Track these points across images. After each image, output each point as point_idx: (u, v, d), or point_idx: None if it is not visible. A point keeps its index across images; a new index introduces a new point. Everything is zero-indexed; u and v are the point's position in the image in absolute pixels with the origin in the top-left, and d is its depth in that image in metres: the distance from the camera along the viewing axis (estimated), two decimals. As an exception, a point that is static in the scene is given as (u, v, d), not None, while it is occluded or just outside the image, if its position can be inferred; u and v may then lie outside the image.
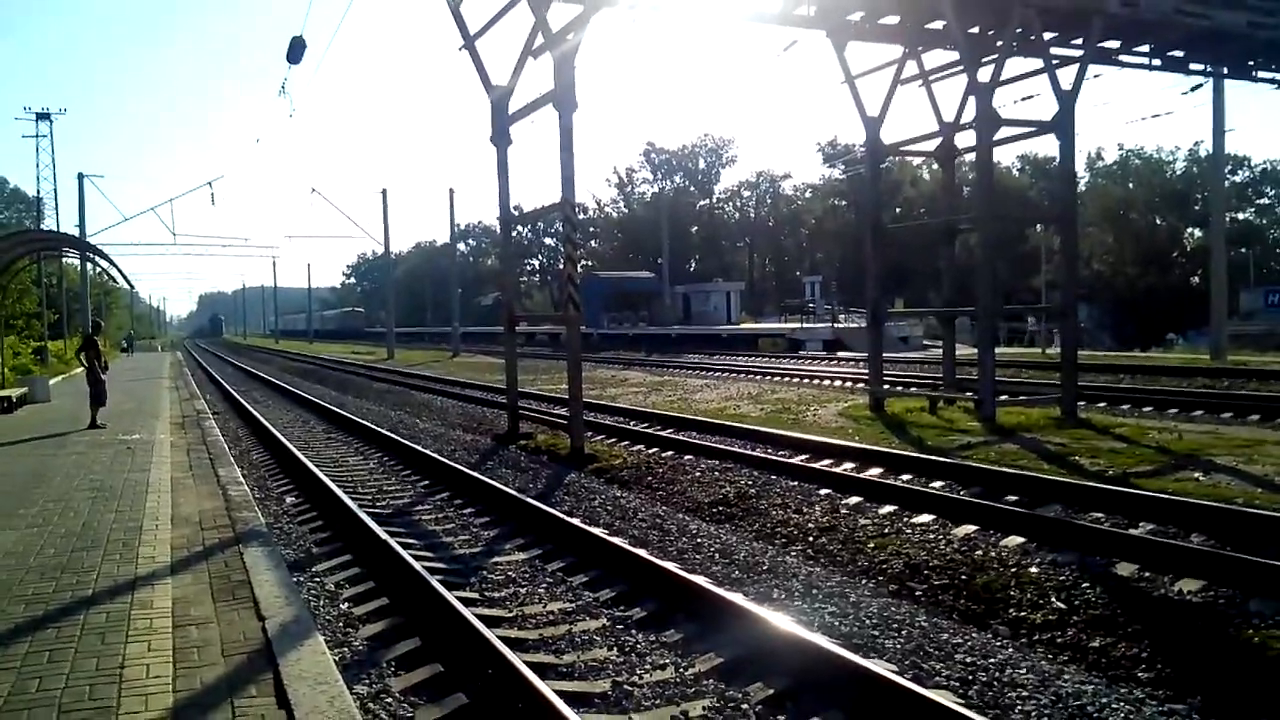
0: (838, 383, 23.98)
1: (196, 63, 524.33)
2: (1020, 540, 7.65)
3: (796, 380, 25.46)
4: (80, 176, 47.63)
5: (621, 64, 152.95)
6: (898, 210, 76.82)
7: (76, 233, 43.02)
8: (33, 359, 33.14)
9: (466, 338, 58.92)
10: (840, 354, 36.93)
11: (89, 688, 4.36)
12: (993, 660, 5.39)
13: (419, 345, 71.28)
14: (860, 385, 22.42)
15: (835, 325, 44.03)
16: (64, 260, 45.33)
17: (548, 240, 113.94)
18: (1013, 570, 6.88)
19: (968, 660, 5.39)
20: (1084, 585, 6.52)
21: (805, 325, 46.23)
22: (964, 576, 6.84)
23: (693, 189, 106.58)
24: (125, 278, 27.22)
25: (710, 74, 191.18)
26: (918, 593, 6.69)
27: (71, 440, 14.33)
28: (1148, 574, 6.74)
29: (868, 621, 6.06)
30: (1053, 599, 6.35)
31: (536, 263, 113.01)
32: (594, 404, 18.22)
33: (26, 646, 4.95)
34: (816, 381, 24.80)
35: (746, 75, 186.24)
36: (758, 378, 26.90)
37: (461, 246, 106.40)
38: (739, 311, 63.86)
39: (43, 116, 52.75)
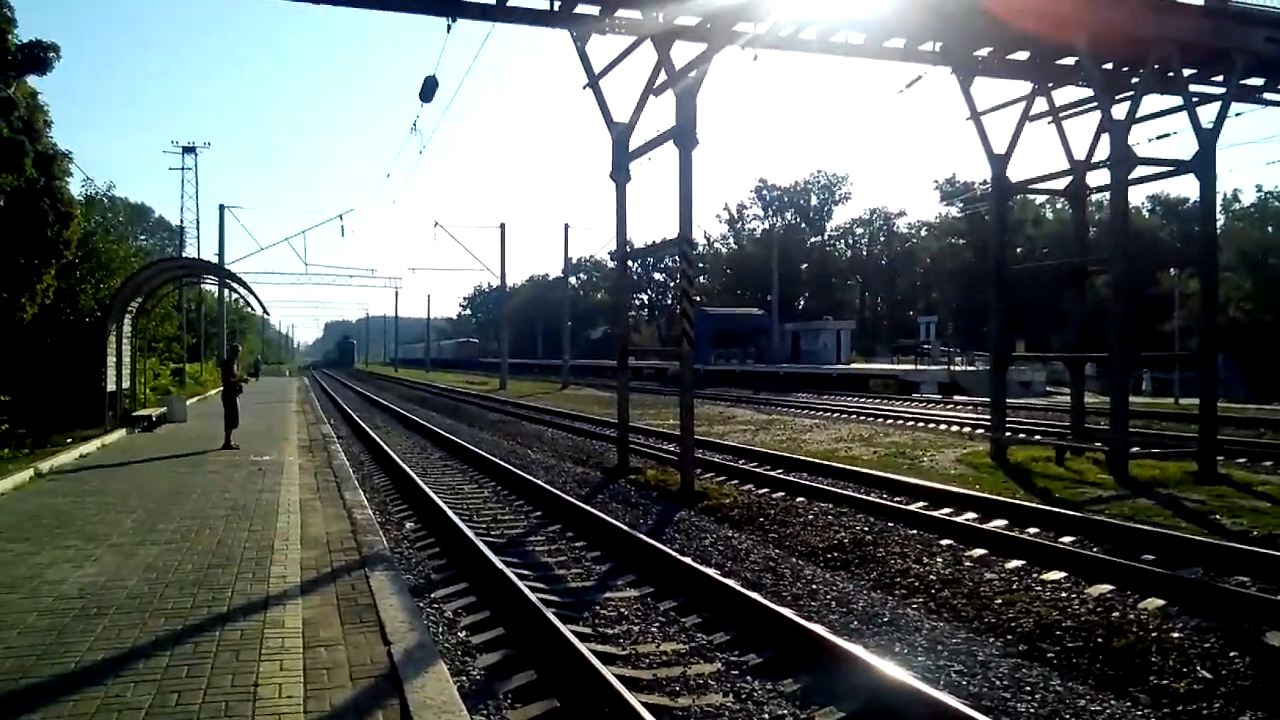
0: (954, 428, 23.24)
1: (333, 99, 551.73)
2: (1160, 603, 7.23)
3: (910, 424, 24.80)
4: (221, 208, 50.60)
5: (735, 100, 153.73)
6: (1019, 250, 74.66)
7: (216, 260, 45.57)
8: (171, 380, 35.07)
9: (574, 370, 59.68)
10: (956, 398, 35.89)
11: (224, 704, 4.51)
12: (1136, 732, 5.07)
13: (529, 376, 72.54)
14: (979, 431, 21.69)
15: (951, 368, 42.84)
16: (203, 287, 48.00)
17: (656, 275, 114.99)
18: (1153, 635, 6.48)
19: (1108, 730, 5.09)
20: (1231, 654, 6.10)
21: (920, 367, 45.10)
22: (1100, 639, 6.48)
23: (804, 226, 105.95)
24: (261, 304, 28.57)
25: (824, 110, 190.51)
26: (1049, 654, 6.36)
27: (207, 460, 15.04)
28: (1304, 646, 6.28)
29: (997, 682, 5.79)
30: (1198, 668, 5.95)
31: (645, 298, 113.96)
32: (702, 440, 18.14)
33: (166, 660, 5.17)
34: (932, 426, 24.11)
35: (862, 111, 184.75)
36: (869, 420, 26.34)
37: (572, 280, 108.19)
38: (849, 351, 62.81)
39: (188, 150, 56.15)
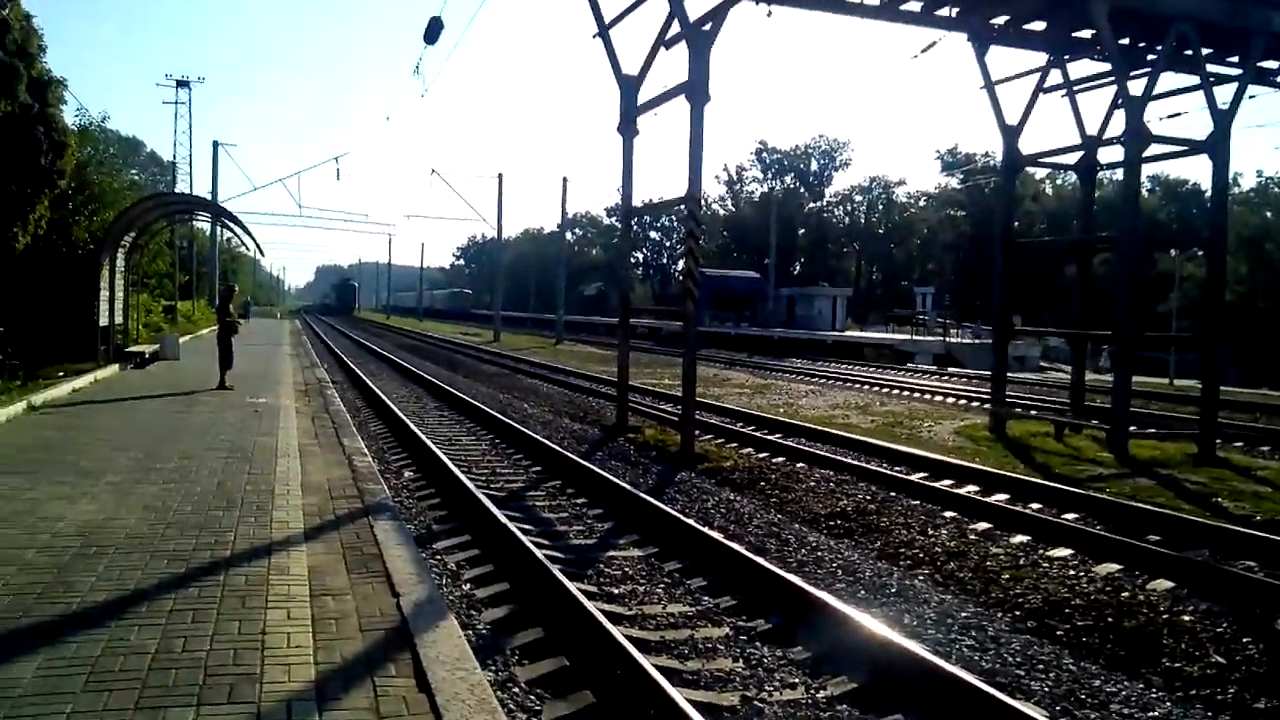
0: (950, 399, 23.22)
1: (334, 38, 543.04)
2: (1169, 585, 7.20)
3: (906, 393, 24.78)
4: (215, 144, 49.98)
5: (738, 58, 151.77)
6: (1015, 225, 74.35)
7: (209, 198, 44.96)
8: (164, 318, 34.75)
9: (568, 326, 59.45)
10: (951, 369, 35.89)
11: (232, 652, 4.40)
12: (1153, 714, 5.03)
13: (522, 330, 72.29)
14: (975, 404, 21.67)
15: (947, 339, 42.83)
16: (195, 224, 47.42)
17: (653, 234, 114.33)
18: (1164, 617, 6.44)
19: (1125, 712, 5.04)
20: (1244, 640, 6.07)
21: (915, 337, 45.06)
22: (1110, 619, 6.43)
23: (803, 190, 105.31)
24: (256, 243, 28.21)
25: (828, 74, 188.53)
26: (1059, 632, 6.31)
27: (201, 399, 14.88)
28: (1314, 634, 6.25)
29: (1010, 659, 5.74)
30: (1211, 652, 5.91)
31: (640, 256, 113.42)
32: (699, 402, 18.02)
33: (170, 604, 5.05)
34: (927, 396, 24.09)
35: (866, 77, 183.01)
36: (864, 388, 26.31)
37: (568, 235, 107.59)
38: (844, 318, 62.73)
39: (182, 84, 55.26)
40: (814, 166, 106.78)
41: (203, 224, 47.98)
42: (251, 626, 4.74)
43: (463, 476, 9.96)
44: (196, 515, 7.05)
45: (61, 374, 16.46)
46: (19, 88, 17.06)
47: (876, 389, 25.95)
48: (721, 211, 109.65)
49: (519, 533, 7.64)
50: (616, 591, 6.87)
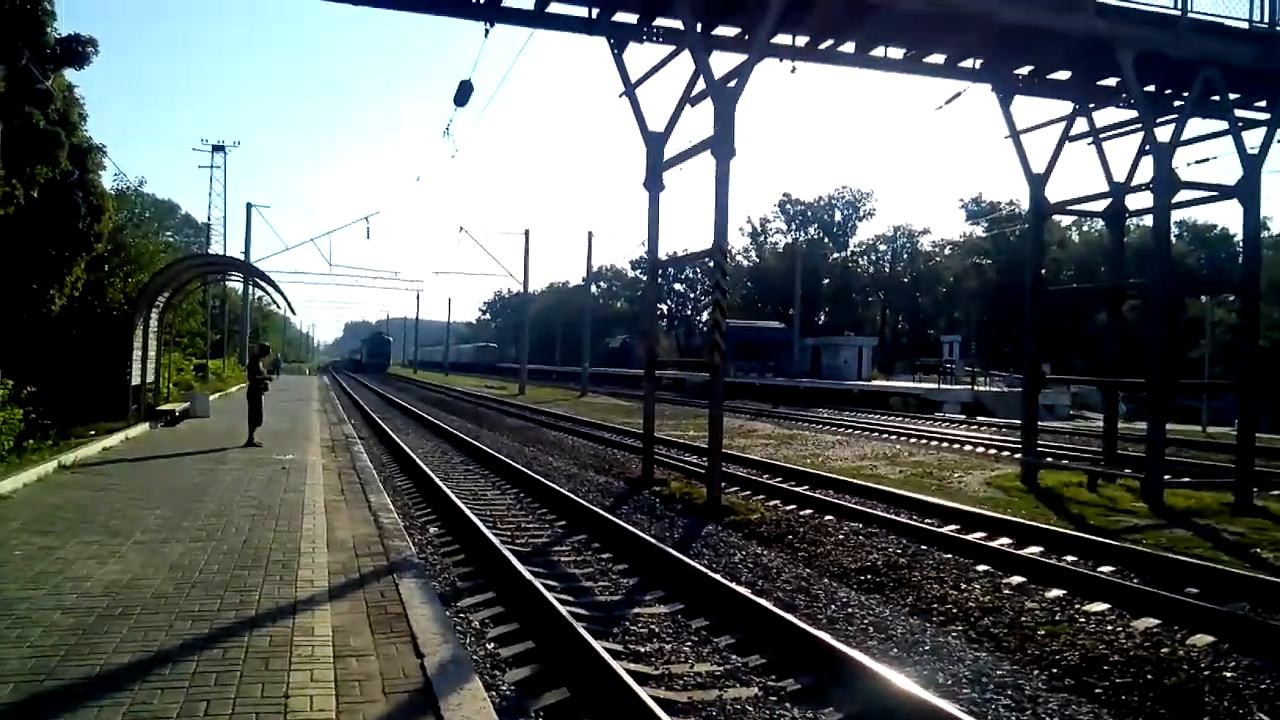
0: (980, 449, 22.92)
1: (365, 101, 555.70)
2: (1210, 639, 7.00)
3: (935, 443, 24.50)
4: (249, 206, 50.94)
5: (762, 111, 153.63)
6: (1043, 272, 73.90)
7: (242, 258, 45.76)
8: (194, 375, 35.15)
9: (593, 378, 59.57)
10: (980, 418, 35.51)
11: (255, 716, 4.36)
12: (1199, 779, 4.85)
13: (547, 382, 72.47)
14: (1005, 453, 21.38)
15: (975, 388, 42.45)
16: (228, 284, 48.24)
17: (677, 286, 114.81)
18: (1205, 673, 6.26)
19: (1170, 776, 4.87)
20: (1291, 698, 5.87)
21: (943, 386, 44.70)
22: (1149, 676, 6.25)
23: (827, 240, 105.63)
24: (288, 301, 28.66)
25: (850, 125, 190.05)
26: (1098, 689, 6.13)
27: (230, 457, 14.97)
28: (1363, 691, 6.04)
29: (1047, 719, 5.57)
30: (1254, 710, 5.72)
31: (664, 308, 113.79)
32: (724, 454, 17.92)
33: (194, 665, 5.02)
34: (956, 446, 23.80)
35: (888, 128, 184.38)
36: (892, 438, 26.04)
37: (593, 288, 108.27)
38: (870, 367, 62.40)
39: (218, 148, 56.45)
40: (838, 217, 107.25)
41: (235, 283, 48.88)
42: (275, 689, 4.70)
43: (487, 532, 9.92)
44: (222, 574, 7.04)
45: (93, 433, 16.66)
46: (60, 155, 17.53)
47: (904, 439, 25.69)
48: (746, 263, 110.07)
49: (544, 589, 7.57)
50: (643, 650, 6.76)
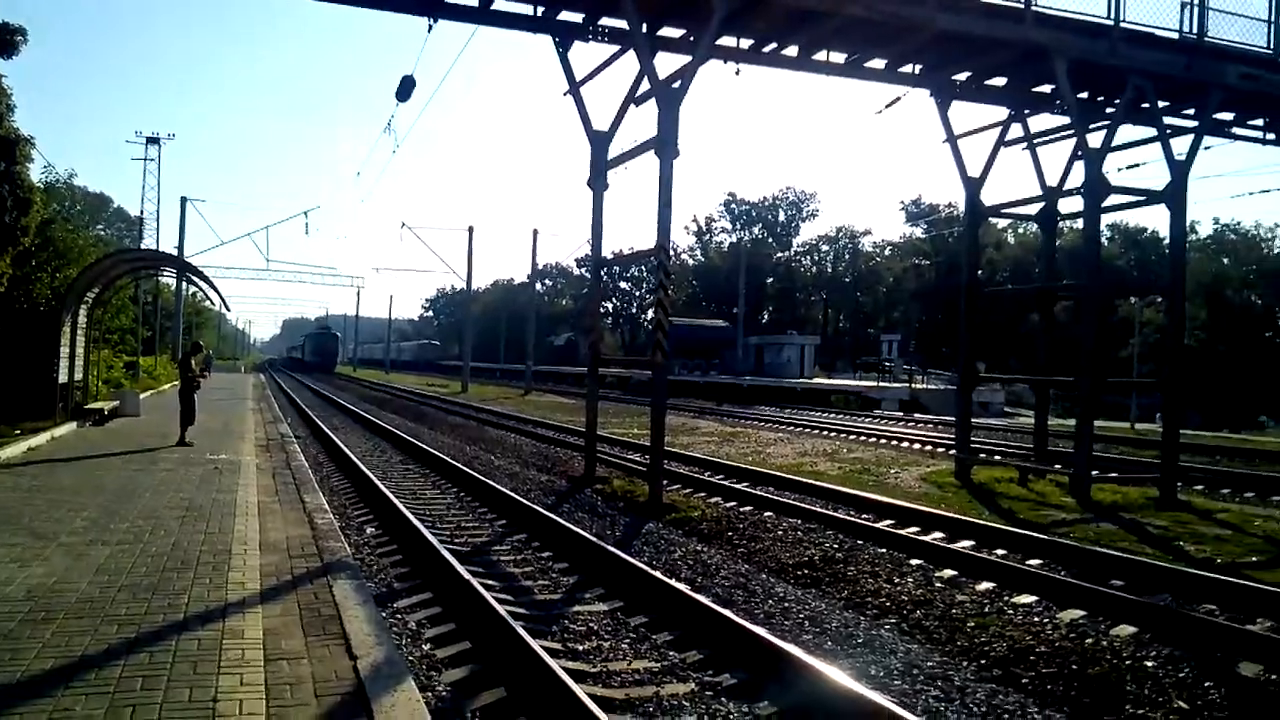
0: (916, 445, 23.34)
1: (305, 95, 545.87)
2: (1132, 630, 7.24)
3: (873, 440, 24.89)
4: (183, 200, 49.73)
5: (707, 112, 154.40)
6: (979, 273, 75.46)
7: (175, 253, 44.67)
8: (125, 373, 34.24)
9: (537, 376, 59.35)
10: (917, 416, 36.16)
11: None
12: (1117, 765, 5.02)
13: (491, 381, 71.99)
14: (941, 450, 21.80)
15: (913, 386, 43.19)
16: (160, 279, 47.02)
17: (623, 284, 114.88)
18: (1127, 663, 6.47)
19: (1089, 762, 5.02)
20: (1206, 685, 6.09)
21: (882, 384, 45.41)
22: (1074, 666, 6.43)
23: (771, 240, 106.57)
24: (222, 298, 28.01)
25: (795, 126, 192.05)
26: (1024, 680, 6.30)
27: (160, 456, 14.62)
28: (1274, 677, 6.31)
29: (975, 709, 5.71)
30: (1174, 698, 5.93)
31: (609, 306, 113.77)
32: (668, 451, 17.93)
33: (120, 670, 4.91)
34: (894, 443, 24.20)
35: (833, 129, 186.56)
36: (832, 435, 26.39)
37: (538, 286, 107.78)
38: (812, 366, 63.15)
39: (152, 141, 54.98)
40: (781, 217, 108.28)
41: (168, 279, 47.66)
42: (203, 694, 4.61)
43: (426, 531, 9.83)
44: (150, 577, 6.88)
45: (18, 432, 16.12)
46: (-16, 145, 16.96)
47: (844, 436, 26.05)
48: (691, 261, 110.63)
49: (482, 589, 7.54)
50: (581, 648, 6.77)
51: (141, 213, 54.88)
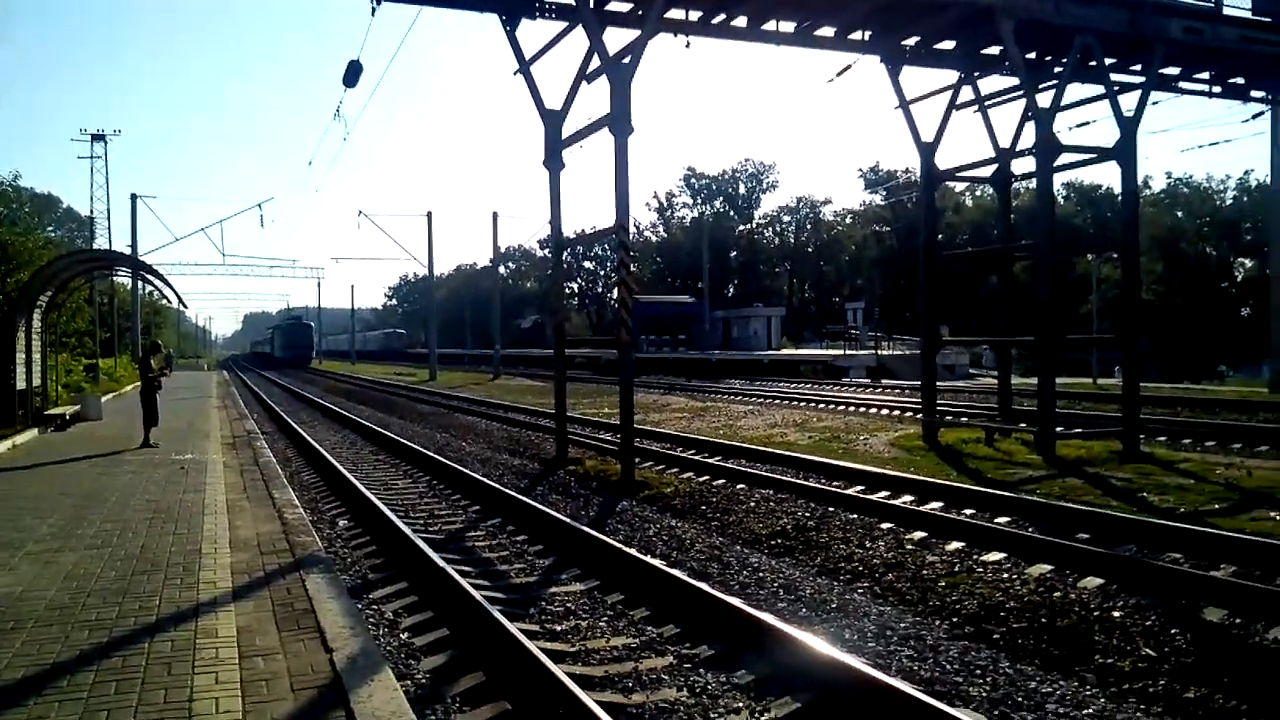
0: (884, 411, 23.59)
1: (251, 85, 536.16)
2: (1099, 582, 7.37)
3: (842, 408, 25.11)
4: (134, 197, 48.65)
5: (664, 87, 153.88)
6: (939, 237, 76.14)
7: (128, 252, 43.85)
8: (85, 377, 33.68)
9: (505, 360, 59.13)
10: (884, 381, 36.50)
11: (158, 721, 4.26)
12: (1087, 712, 5.14)
13: (459, 367, 71.60)
14: (909, 414, 22.04)
15: (879, 352, 43.56)
16: (115, 279, 46.20)
17: (587, 264, 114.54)
18: (1095, 614, 6.60)
19: (1060, 711, 5.14)
20: (1172, 631, 6.24)
21: (849, 352, 45.76)
22: (1043, 619, 6.57)
23: (733, 214, 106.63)
24: (178, 296, 27.57)
25: (751, 98, 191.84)
26: (995, 635, 6.43)
27: (125, 459, 14.43)
28: (1238, 620, 6.46)
29: (948, 666, 5.82)
30: (1141, 646, 6.07)
31: (575, 286, 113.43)
32: (639, 429, 17.98)
33: (93, 675, 4.87)
34: (863, 410, 24.43)
35: (789, 100, 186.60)
36: (802, 405, 26.58)
37: (501, 269, 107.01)
38: (779, 337, 63.47)
39: (98, 138, 53.78)
40: (742, 190, 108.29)
41: (123, 279, 46.81)
42: (178, 694, 4.59)
43: (398, 521, 9.80)
44: (120, 581, 6.81)
45: (-24, 442, 15.83)
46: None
47: (813, 405, 26.25)
48: (654, 237, 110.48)
49: (457, 575, 7.54)
50: (559, 629, 6.81)
51: (91, 212, 53.83)
